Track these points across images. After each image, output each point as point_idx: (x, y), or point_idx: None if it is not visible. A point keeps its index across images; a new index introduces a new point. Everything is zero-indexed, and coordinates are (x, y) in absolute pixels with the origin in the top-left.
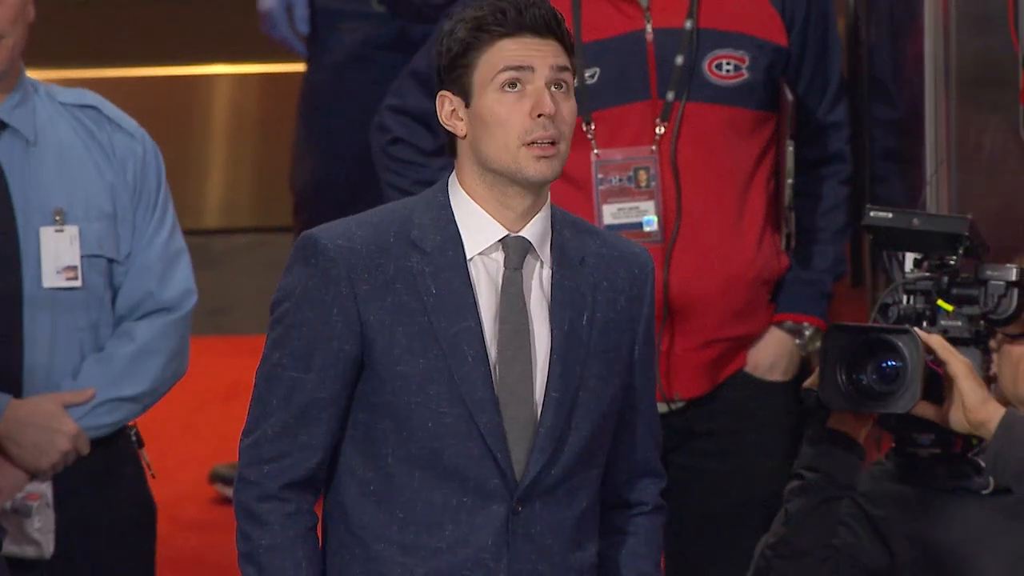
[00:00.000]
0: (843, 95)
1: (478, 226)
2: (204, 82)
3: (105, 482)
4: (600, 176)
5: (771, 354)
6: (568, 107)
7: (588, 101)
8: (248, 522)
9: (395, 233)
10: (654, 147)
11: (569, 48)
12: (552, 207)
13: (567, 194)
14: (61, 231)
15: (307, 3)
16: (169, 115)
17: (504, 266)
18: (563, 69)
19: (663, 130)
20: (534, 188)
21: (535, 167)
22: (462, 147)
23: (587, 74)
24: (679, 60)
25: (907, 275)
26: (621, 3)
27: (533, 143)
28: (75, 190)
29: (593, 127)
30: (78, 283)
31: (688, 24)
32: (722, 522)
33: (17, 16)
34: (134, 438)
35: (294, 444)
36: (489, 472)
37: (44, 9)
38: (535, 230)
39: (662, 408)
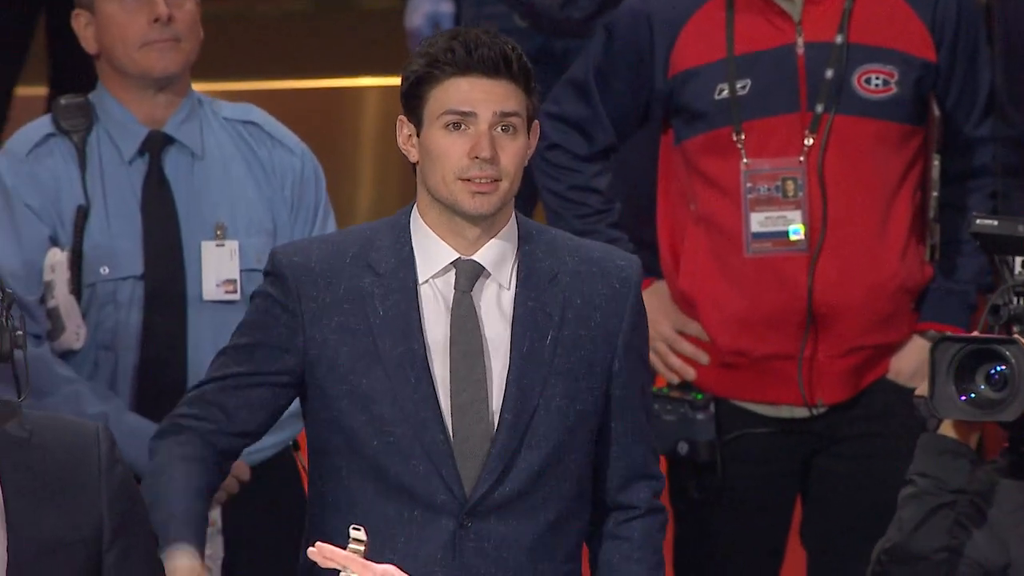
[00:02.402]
0: (991, 111)
1: (432, 250)
2: (354, 94)
3: (271, 506)
4: (749, 185)
5: (914, 361)
6: (513, 148)
7: (739, 112)
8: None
9: (353, 254)
10: (802, 158)
11: (525, 86)
12: (529, 223)
13: (716, 201)
14: (222, 245)
15: (454, 20)
16: (321, 126)
17: (455, 288)
18: (509, 115)
19: (811, 142)
20: (478, 220)
21: (470, 202)
22: (418, 173)
23: (738, 85)
24: (829, 74)
25: (1016, 277)
26: (774, 17)
27: (468, 179)
28: (236, 205)
29: (743, 137)
30: (237, 296)
31: (839, 39)
32: (864, 524)
33: (193, 24)
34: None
35: (212, 409)
36: (436, 488)
37: (204, 25)
38: (489, 254)
39: (803, 413)
